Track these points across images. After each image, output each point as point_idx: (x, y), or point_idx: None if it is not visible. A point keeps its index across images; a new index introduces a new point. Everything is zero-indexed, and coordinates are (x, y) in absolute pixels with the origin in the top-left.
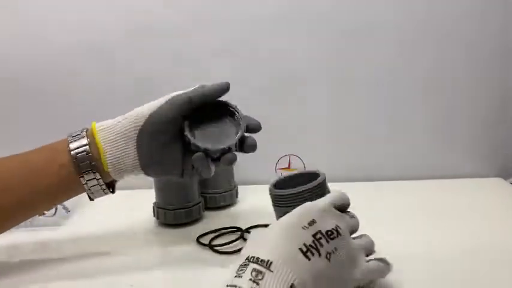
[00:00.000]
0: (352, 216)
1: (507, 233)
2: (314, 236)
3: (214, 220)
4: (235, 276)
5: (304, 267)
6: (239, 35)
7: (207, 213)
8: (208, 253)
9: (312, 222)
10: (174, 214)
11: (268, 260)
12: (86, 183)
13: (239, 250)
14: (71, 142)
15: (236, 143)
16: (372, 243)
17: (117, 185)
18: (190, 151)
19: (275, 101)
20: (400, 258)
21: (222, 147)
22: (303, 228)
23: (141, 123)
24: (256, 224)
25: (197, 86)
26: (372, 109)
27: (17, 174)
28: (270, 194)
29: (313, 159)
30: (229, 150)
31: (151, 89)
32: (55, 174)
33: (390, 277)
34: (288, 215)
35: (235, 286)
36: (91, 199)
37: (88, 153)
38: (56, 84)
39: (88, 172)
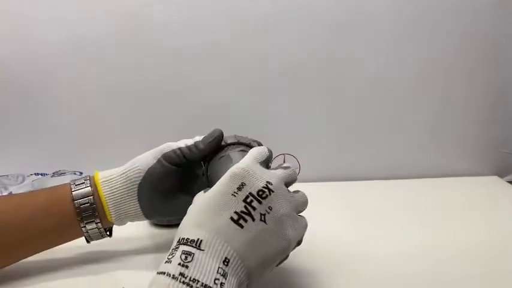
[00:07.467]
0: (286, 167)
1: (503, 232)
2: (245, 200)
3: None
4: (165, 262)
5: (238, 236)
6: (233, 34)
7: None
8: None
9: (241, 186)
10: None
11: (197, 239)
12: (86, 230)
13: None
14: (74, 191)
15: None
16: (304, 201)
17: None
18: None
19: (268, 99)
20: (395, 257)
21: None
22: (232, 195)
23: (140, 179)
24: None
25: (194, 139)
26: (365, 107)
27: (13, 217)
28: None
29: (307, 158)
30: None
31: (147, 87)
32: (55, 222)
33: (385, 275)
34: (215, 184)
35: (164, 273)
36: (88, 242)
37: (92, 204)
38: (45, 83)
39: (90, 222)
